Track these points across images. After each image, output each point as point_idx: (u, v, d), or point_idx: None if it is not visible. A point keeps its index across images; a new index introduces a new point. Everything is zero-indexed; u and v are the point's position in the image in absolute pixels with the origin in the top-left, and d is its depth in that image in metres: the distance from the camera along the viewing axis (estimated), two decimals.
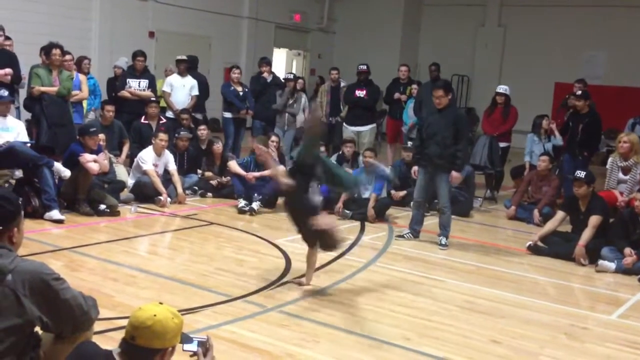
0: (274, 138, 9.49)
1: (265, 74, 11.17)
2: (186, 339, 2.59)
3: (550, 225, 7.31)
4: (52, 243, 6.17)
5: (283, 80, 11.49)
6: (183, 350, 2.55)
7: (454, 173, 7.02)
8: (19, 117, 8.34)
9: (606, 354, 4.57)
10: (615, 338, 4.87)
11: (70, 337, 2.74)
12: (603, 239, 6.84)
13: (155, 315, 2.40)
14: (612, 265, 6.57)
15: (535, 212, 8.60)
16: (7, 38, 8.76)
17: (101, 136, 8.09)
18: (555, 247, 7.05)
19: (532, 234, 7.62)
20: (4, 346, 2.52)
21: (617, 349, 4.66)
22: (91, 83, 10.04)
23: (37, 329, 2.71)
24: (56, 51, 8.20)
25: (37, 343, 2.72)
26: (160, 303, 2.49)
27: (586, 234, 6.82)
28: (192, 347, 2.61)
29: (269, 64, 11.46)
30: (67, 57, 9.11)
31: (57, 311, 2.63)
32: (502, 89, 10.33)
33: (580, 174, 7.06)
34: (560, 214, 7.32)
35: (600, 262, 6.63)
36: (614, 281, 6.40)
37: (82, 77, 9.40)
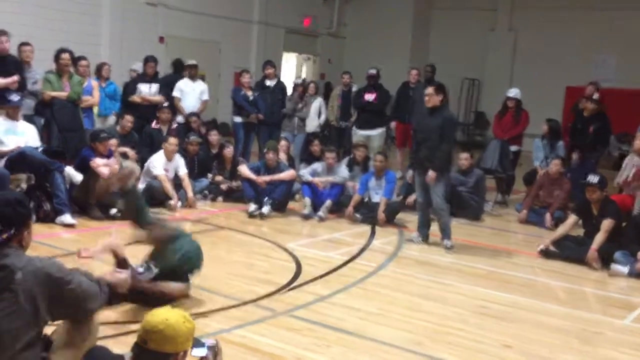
0: (283, 142, 9.50)
1: (268, 78, 11.19)
2: (198, 344, 2.58)
3: (562, 229, 7.26)
4: (63, 247, 6.19)
5: (293, 85, 11.51)
6: (191, 354, 2.54)
7: (430, 172, 6.95)
8: (38, 122, 8.35)
9: (619, 358, 4.53)
10: (628, 343, 4.83)
11: (80, 344, 2.72)
12: (616, 243, 6.79)
13: (167, 320, 2.40)
14: (625, 270, 6.51)
15: (547, 216, 8.55)
16: (27, 44, 8.77)
17: (113, 141, 8.13)
18: (568, 251, 7.01)
19: (543, 238, 7.57)
20: (20, 344, 2.53)
21: (631, 354, 4.62)
22: (112, 88, 10.09)
23: (47, 331, 2.71)
24: (65, 56, 8.24)
25: (47, 345, 2.73)
26: (172, 307, 2.49)
27: (599, 238, 6.77)
28: (201, 351, 2.61)
29: (274, 66, 11.48)
30: (83, 62, 9.15)
31: (66, 301, 2.66)
32: (512, 93, 10.30)
33: (594, 179, 6.99)
34: (572, 218, 7.28)
35: (613, 266, 6.58)
36: (627, 285, 6.35)
37: (94, 83, 9.42)
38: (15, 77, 7.88)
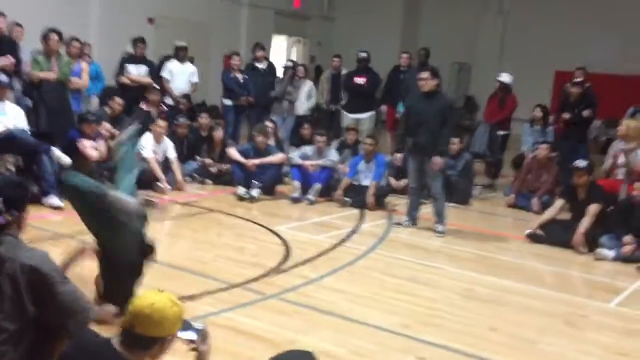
0: (268, 124, 9.47)
1: (258, 61, 11.12)
2: (186, 327, 2.58)
3: (549, 213, 7.31)
4: (51, 229, 6.16)
5: (283, 68, 11.46)
6: (179, 337, 2.53)
7: (436, 159, 6.94)
8: (24, 103, 8.29)
9: (604, 341, 4.58)
10: (613, 326, 4.89)
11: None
12: (602, 227, 6.85)
13: (153, 304, 2.37)
14: (611, 253, 6.57)
15: (535, 200, 8.60)
16: (18, 25, 8.70)
17: (107, 126, 8.10)
18: (554, 235, 7.05)
19: (531, 222, 7.62)
20: (1, 335, 2.50)
21: (616, 337, 4.67)
22: (93, 69, 9.99)
23: None
24: (53, 36, 8.16)
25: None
26: (161, 291, 2.48)
27: (585, 222, 6.82)
28: (189, 335, 2.60)
29: (263, 49, 11.40)
30: (75, 43, 9.05)
31: (53, 304, 2.58)
32: (501, 76, 10.31)
33: (581, 163, 7.05)
34: (559, 202, 7.33)
35: (599, 250, 6.63)
36: (612, 269, 6.40)
37: (84, 65, 9.33)
38: (11, 59, 7.80)
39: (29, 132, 7.42)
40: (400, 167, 8.93)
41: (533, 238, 7.15)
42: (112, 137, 8.60)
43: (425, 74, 7.03)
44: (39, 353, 2.60)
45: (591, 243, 6.76)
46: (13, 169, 6.85)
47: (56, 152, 7.25)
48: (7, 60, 7.73)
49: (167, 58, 10.86)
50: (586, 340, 4.59)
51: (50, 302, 2.57)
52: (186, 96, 10.20)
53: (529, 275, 6.05)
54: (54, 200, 6.94)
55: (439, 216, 7.22)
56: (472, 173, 9.38)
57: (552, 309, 5.11)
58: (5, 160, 6.92)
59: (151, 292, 2.46)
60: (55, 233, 6.06)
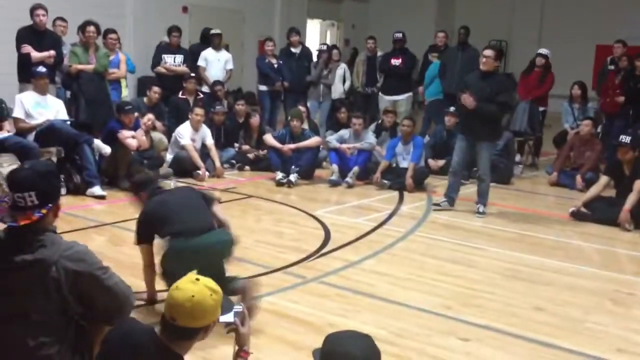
0: (301, 108, 9.46)
1: (293, 45, 11.10)
2: (226, 307, 2.57)
3: (593, 191, 7.16)
4: (95, 218, 6.28)
5: (317, 51, 11.42)
6: (218, 322, 2.52)
7: (468, 96, 6.73)
8: (63, 95, 8.42)
9: None
10: None
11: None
12: None
13: (193, 296, 2.34)
14: None
15: (578, 178, 8.43)
16: (63, 20, 8.84)
17: (150, 116, 8.20)
18: (599, 212, 6.91)
19: (575, 200, 7.48)
20: (47, 337, 2.52)
21: None
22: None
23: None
24: (90, 28, 8.26)
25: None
26: (197, 278, 2.44)
27: (631, 199, 6.67)
28: (228, 318, 2.60)
29: (298, 33, 11.38)
30: (112, 35, 9.15)
31: (102, 299, 2.60)
32: (544, 51, 10.10)
33: (626, 139, 6.89)
34: (603, 179, 7.17)
35: None
36: None
37: (122, 56, 9.43)
38: (52, 52, 7.92)
39: (69, 124, 7.54)
40: (439, 147, 8.87)
41: (577, 216, 7.02)
42: (154, 127, 8.69)
43: (490, 52, 6.87)
44: (83, 343, 2.62)
45: (637, 220, 6.61)
46: (55, 160, 6.98)
47: (96, 142, 7.38)
48: (46, 54, 7.85)
49: (197, 46, 10.92)
50: (634, 318, 4.50)
51: (101, 299, 2.59)
52: (220, 83, 10.23)
53: (573, 253, 5.95)
54: (96, 189, 7.06)
55: (482, 197, 7.12)
56: (512, 152, 9.25)
57: (598, 288, 5.02)
58: (48, 152, 7.06)
59: (188, 281, 2.42)
60: (99, 222, 6.17)
